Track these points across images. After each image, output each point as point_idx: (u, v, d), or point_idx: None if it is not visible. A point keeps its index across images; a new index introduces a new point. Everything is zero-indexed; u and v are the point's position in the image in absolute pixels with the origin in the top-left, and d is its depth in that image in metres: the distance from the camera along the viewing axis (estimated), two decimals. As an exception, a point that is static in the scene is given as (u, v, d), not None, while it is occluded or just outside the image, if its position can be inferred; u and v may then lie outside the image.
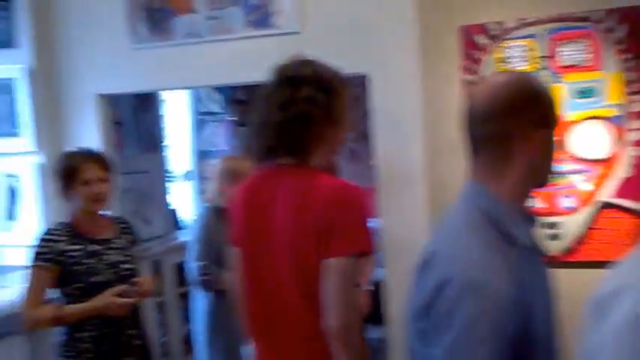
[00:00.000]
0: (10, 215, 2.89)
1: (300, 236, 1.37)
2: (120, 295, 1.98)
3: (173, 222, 3.91)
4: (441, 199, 2.41)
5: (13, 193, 2.89)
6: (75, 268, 1.98)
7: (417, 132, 2.40)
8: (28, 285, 1.99)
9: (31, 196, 2.85)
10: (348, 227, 1.34)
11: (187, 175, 4.43)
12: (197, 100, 4.49)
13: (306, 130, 1.41)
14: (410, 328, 1.00)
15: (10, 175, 2.89)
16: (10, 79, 2.81)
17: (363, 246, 1.36)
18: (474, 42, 2.34)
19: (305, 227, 1.36)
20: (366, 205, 1.39)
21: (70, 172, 2.03)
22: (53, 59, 2.90)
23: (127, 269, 2.07)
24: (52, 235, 2.03)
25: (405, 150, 2.42)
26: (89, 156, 2.10)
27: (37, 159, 2.84)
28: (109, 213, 2.19)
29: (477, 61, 2.35)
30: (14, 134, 2.83)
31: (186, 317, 3.46)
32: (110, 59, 2.83)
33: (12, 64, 2.81)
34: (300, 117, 1.39)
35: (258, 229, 1.46)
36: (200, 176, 4.40)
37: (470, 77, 2.37)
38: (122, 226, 2.21)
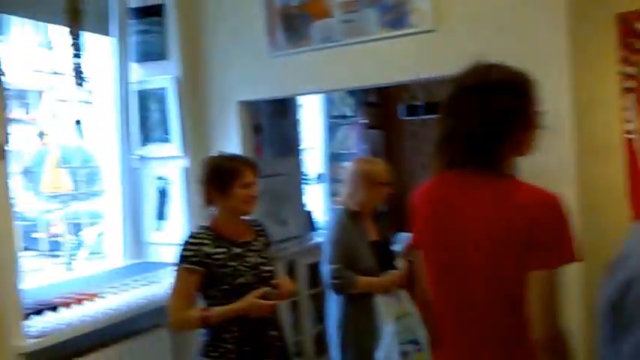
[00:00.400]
0: (161, 215, 3.13)
1: (500, 245, 1.34)
2: (262, 296, 2.01)
3: (308, 223, 3.99)
4: (591, 201, 2.20)
5: (163, 195, 3.13)
6: (220, 270, 2.03)
7: (567, 130, 2.22)
8: (175, 287, 2.04)
9: (178, 197, 3.07)
10: (556, 238, 1.31)
11: (320, 178, 4.51)
12: (330, 103, 4.56)
13: (501, 138, 1.37)
14: (599, 328, 0.97)
15: (160, 178, 3.13)
16: (164, 88, 3.05)
17: (570, 257, 1.31)
18: (635, 30, 2.10)
19: (506, 236, 1.33)
20: (568, 212, 1.32)
21: (231, 174, 2.07)
22: (199, 69, 3.10)
23: (267, 271, 2.11)
24: (197, 238, 2.08)
25: (554, 149, 2.22)
26: (247, 161, 2.16)
27: (184, 163, 3.05)
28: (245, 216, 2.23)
29: (637, 51, 2.11)
30: (166, 140, 3.07)
31: (319, 317, 3.52)
32: (250, 67, 2.95)
33: (164, 75, 3.05)
34: (495, 125, 1.36)
35: (445, 234, 1.43)
36: (332, 179, 4.46)
37: (629, 69, 2.13)
38: (257, 228, 2.25)
